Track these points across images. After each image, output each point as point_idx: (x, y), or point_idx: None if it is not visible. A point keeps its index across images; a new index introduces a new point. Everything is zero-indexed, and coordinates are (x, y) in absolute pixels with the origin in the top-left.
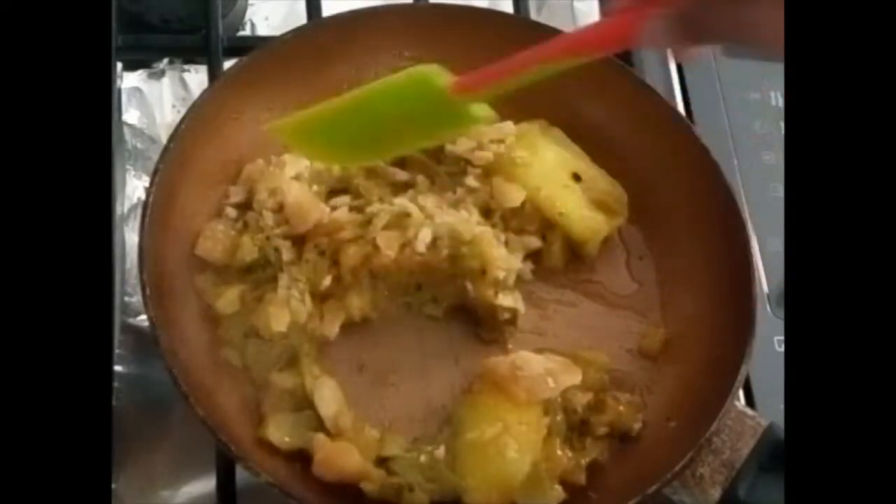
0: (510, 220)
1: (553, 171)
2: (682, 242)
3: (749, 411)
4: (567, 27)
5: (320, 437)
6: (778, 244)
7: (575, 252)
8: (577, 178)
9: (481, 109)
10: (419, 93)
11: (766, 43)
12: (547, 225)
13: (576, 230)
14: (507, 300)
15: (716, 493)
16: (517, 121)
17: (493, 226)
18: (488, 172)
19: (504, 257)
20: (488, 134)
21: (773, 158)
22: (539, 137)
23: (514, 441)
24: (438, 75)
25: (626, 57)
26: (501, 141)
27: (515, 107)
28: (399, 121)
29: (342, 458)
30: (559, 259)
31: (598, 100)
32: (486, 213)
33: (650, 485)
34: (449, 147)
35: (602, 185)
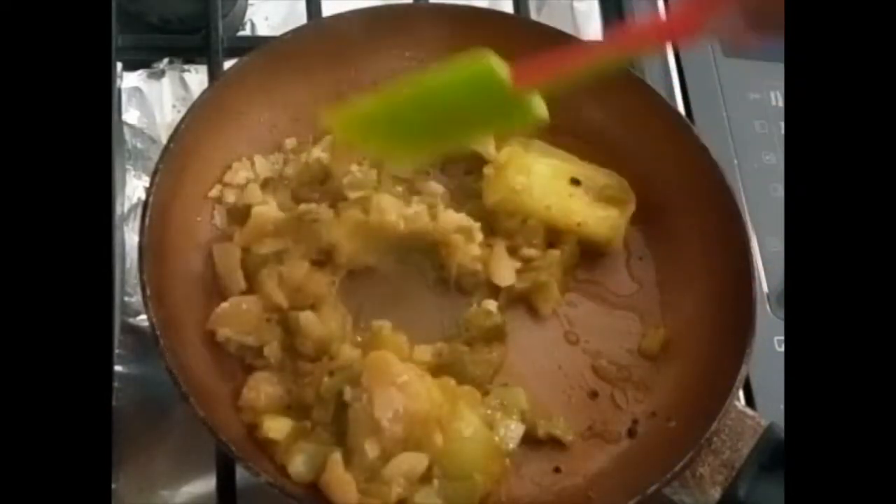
0: (515, 237)
1: (553, 185)
2: (682, 242)
3: (749, 411)
4: (567, 27)
5: (336, 457)
6: (778, 244)
7: (598, 252)
8: (576, 182)
9: (538, 106)
10: (480, 83)
11: None
12: (554, 235)
13: (597, 233)
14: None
15: (716, 493)
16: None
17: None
18: (499, 208)
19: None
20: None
21: (773, 158)
22: (525, 156)
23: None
24: (498, 65)
25: None
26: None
27: None
28: (459, 113)
29: (342, 488)
30: (572, 265)
31: (598, 100)
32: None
33: (650, 485)
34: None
35: (601, 181)
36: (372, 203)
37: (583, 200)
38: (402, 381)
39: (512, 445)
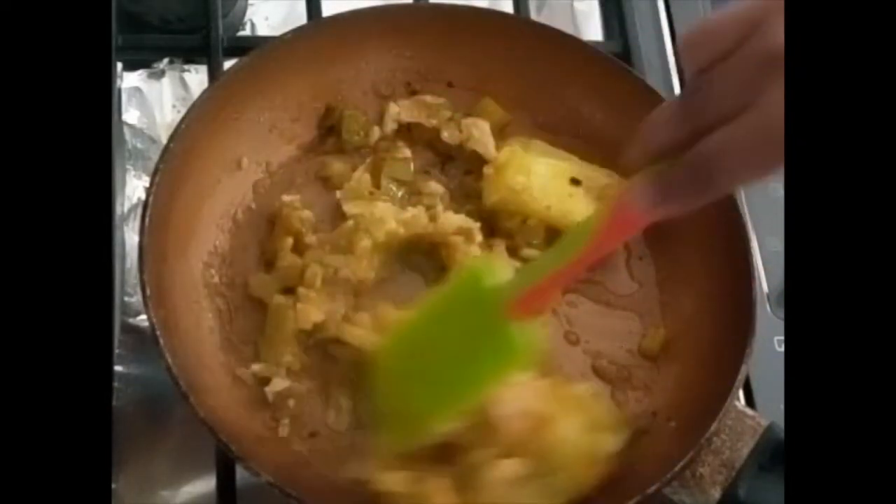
0: (515, 237)
1: (552, 185)
2: (682, 242)
3: (749, 411)
4: (567, 27)
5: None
6: (778, 244)
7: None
8: (576, 182)
9: (529, 341)
10: (472, 298)
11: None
12: (554, 235)
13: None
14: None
15: (716, 493)
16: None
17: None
18: (499, 208)
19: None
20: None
21: None
22: (525, 157)
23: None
24: (489, 278)
25: (626, 57)
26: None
27: (516, 107)
28: (457, 341)
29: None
30: None
31: (598, 100)
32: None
33: (650, 485)
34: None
35: (600, 180)
36: (368, 217)
37: (583, 201)
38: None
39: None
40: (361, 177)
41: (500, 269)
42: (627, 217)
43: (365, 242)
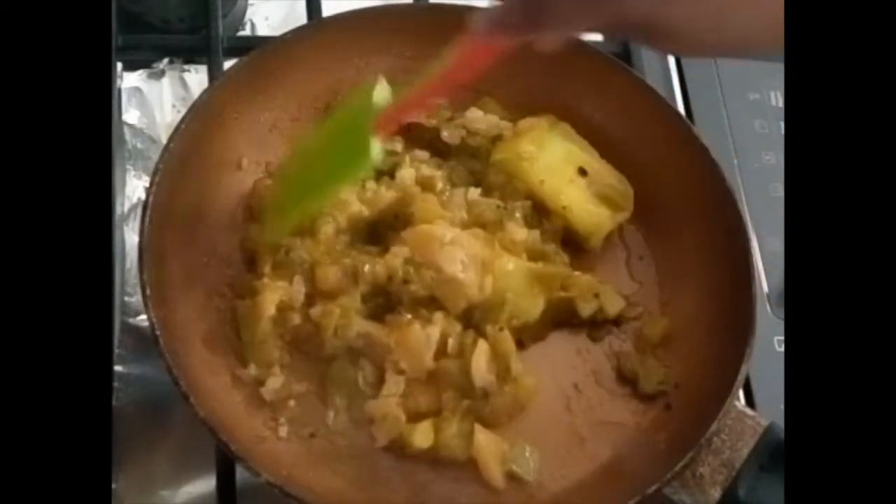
0: (494, 192)
1: (559, 166)
2: (682, 242)
3: (749, 411)
4: None
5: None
6: (778, 244)
7: (579, 246)
8: (583, 172)
9: (376, 149)
10: (354, 127)
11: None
12: (542, 213)
13: (580, 224)
14: None
15: (716, 493)
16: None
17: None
18: (496, 166)
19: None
20: (487, 127)
21: (773, 158)
22: (546, 132)
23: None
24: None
25: (626, 57)
26: (499, 136)
27: (516, 106)
28: (333, 159)
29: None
30: (554, 248)
31: (598, 100)
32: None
33: (650, 485)
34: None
35: (608, 180)
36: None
37: (579, 189)
38: (450, 238)
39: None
40: None
41: (385, 90)
42: (473, 43)
43: (327, 228)
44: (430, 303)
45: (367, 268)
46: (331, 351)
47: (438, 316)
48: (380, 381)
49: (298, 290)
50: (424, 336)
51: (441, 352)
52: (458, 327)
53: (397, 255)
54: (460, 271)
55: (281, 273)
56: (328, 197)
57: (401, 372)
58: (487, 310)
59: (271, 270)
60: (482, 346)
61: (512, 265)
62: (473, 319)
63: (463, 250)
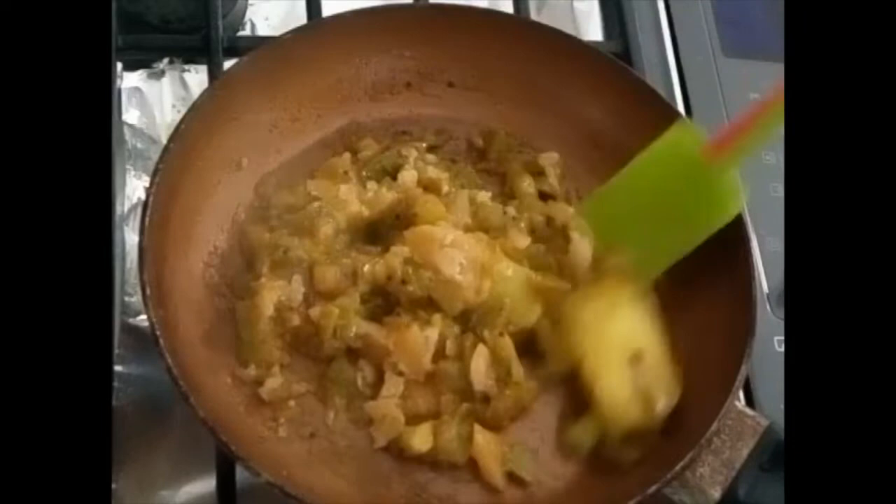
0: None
1: (611, 344)
2: None
3: (749, 411)
4: (567, 27)
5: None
6: (778, 244)
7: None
8: (637, 357)
9: (736, 191)
10: (675, 156)
11: None
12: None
13: (606, 412)
14: None
15: (716, 493)
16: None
17: None
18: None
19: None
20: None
21: (773, 158)
22: (620, 297)
23: None
24: (692, 138)
25: (626, 57)
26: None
27: (517, 106)
28: (660, 195)
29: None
30: (555, 263)
31: (598, 100)
32: None
33: (650, 485)
34: None
35: (659, 375)
36: (331, 200)
37: (622, 376)
38: (450, 240)
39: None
40: (340, 159)
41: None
42: None
43: (327, 227)
44: (429, 304)
45: (366, 268)
46: (330, 352)
47: (437, 318)
48: (379, 381)
49: (297, 289)
50: (423, 338)
51: (440, 354)
52: (456, 329)
53: (397, 255)
54: (458, 273)
55: (279, 273)
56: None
57: (400, 373)
58: (485, 314)
59: (269, 270)
60: (481, 349)
61: (511, 271)
62: (471, 322)
63: (462, 253)
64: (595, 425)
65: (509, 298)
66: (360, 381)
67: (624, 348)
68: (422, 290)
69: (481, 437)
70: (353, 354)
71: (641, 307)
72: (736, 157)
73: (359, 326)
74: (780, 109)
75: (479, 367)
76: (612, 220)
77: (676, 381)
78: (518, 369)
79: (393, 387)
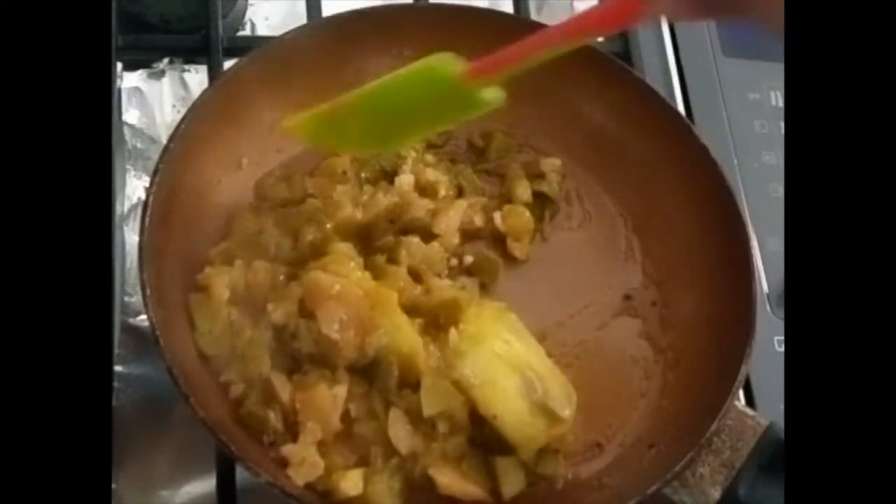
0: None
1: (497, 367)
2: (683, 242)
3: (749, 411)
4: None
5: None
6: (778, 244)
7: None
8: (523, 377)
9: (492, 92)
10: (432, 80)
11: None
12: None
13: (510, 435)
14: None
15: (716, 493)
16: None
17: None
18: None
19: None
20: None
21: (773, 158)
22: (489, 322)
23: None
24: (452, 63)
25: (626, 57)
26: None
27: (517, 105)
28: (413, 109)
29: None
30: None
31: (598, 100)
32: None
33: (650, 485)
34: None
35: (551, 389)
36: (325, 201)
37: (514, 396)
38: (336, 291)
39: None
40: (339, 159)
41: (456, 60)
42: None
43: (312, 236)
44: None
45: (269, 307)
46: (237, 393)
47: (343, 374)
48: (293, 427)
49: (240, 274)
50: (331, 397)
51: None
52: (361, 388)
53: (292, 300)
54: (336, 331)
55: (238, 254)
56: (415, 136)
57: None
58: (379, 372)
59: (217, 256)
60: (395, 414)
61: (402, 324)
62: (373, 380)
63: (343, 308)
64: (514, 461)
65: (396, 356)
66: (272, 421)
67: (508, 367)
68: (308, 347)
69: (445, 479)
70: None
71: (508, 325)
72: (499, 80)
73: (264, 370)
74: (556, 48)
75: (398, 432)
76: (343, 128)
77: (567, 383)
78: (443, 424)
79: (310, 434)
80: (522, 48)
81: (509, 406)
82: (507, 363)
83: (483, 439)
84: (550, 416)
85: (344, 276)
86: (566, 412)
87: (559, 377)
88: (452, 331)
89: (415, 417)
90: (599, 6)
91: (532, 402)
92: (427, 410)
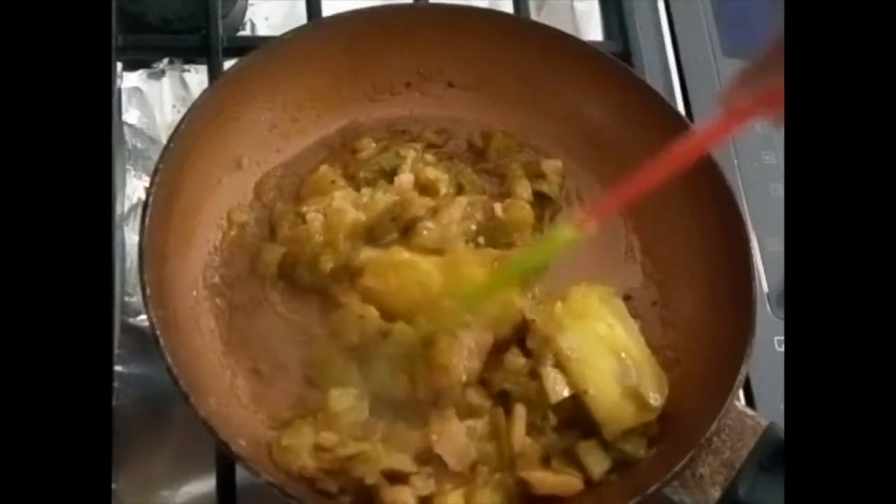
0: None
1: (594, 345)
2: (682, 242)
3: (749, 411)
4: (567, 27)
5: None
6: (778, 244)
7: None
8: (621, 360)
9: (567, 230)
10: (556, 249)
11: None
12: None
13: (598, 411)
14: None
15: (716, 493)
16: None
17: None
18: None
19: None
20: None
21: (773, 158)
22: (595, 304)
23: None
24: (568, 230)
25: (626, 57)
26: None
27: (517, 105)
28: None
29: None
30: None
31: (598, 100)
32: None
33: (650, 485)
34: None
35: (644, 377)
36: (326, 213)
37: (608, 377)
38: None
39: None
40: (318, 174)
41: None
42: (727, 118)
43: (324, 263)
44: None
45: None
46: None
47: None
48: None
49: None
50: (464, 428)
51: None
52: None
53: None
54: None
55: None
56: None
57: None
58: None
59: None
60: (519, 411)
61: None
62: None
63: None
64: (597, 443)
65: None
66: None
67: (606, 348)
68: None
69: (537, 476)
70: None
71: (613, 309)
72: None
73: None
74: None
75: (520, 430)
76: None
77: (662, 374)
78: (553, 417)
79: (424, 487)
80: (639, 183)
81: (602, 386)
82: (606, 345)
83: (568, 418)
84: (640, 402)
85: None
86: (657, 401)
87: (655, 367)
88: (558, 304)
89: (533, 406)
90: (704, 128)
91: (625, 387)
92: (553, 397)
